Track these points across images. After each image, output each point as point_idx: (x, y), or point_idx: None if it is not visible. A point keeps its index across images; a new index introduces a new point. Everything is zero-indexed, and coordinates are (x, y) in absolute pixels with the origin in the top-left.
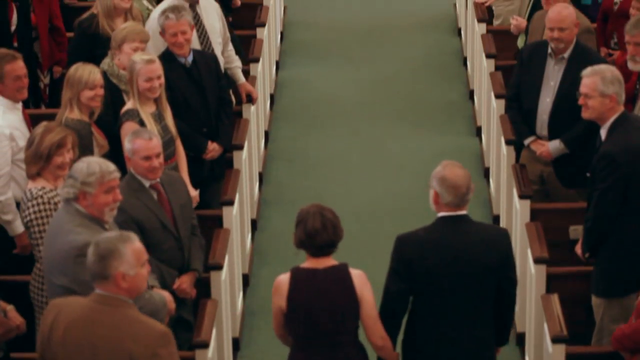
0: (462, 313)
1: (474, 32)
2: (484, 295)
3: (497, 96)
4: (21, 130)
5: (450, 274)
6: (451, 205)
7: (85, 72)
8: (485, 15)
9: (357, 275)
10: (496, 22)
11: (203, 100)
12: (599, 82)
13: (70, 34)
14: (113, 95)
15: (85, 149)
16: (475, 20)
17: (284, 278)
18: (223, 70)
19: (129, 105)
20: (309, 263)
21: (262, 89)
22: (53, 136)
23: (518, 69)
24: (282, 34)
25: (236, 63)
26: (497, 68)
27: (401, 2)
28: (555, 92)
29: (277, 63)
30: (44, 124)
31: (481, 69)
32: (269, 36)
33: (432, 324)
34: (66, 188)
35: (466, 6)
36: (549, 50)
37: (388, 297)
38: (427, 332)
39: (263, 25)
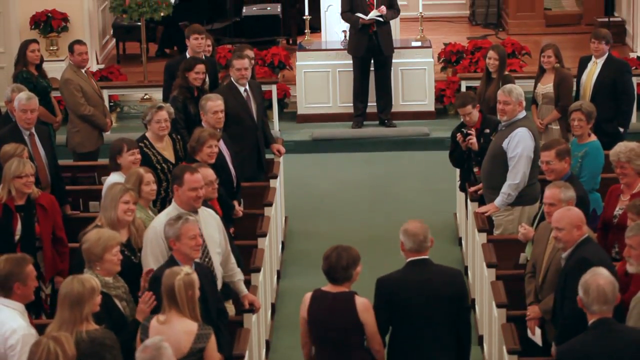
0: (430, 337)
1: (475, 241)
2: (446, 321)
3: (499, 305)
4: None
5: (419, 304)
6: (412, 251)
7: (87, 284)
8: (486, 224)
9: (360, 302)
10: (496, 232)
11: (206, 314)
12: (581, 282)
13: (72, 245)
14: (107, 305)
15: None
16: (476, 230)
17: (309, 294)
18: (220, 285)
19: (160, 318)
20: (327, 287)
21: (264, 298)
22: (67, 338)
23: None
24: (283, 243)
25: (239, 277)
26: (498, 277)
27: (402, 212)
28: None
29: (279, 272)
30: (48, 336)
31: (482, 278)
32: (270, 246)
33: (407, 346)
34: None
35: (466, 216)
36: None
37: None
38: (403, 353)
39: (264, 235)
